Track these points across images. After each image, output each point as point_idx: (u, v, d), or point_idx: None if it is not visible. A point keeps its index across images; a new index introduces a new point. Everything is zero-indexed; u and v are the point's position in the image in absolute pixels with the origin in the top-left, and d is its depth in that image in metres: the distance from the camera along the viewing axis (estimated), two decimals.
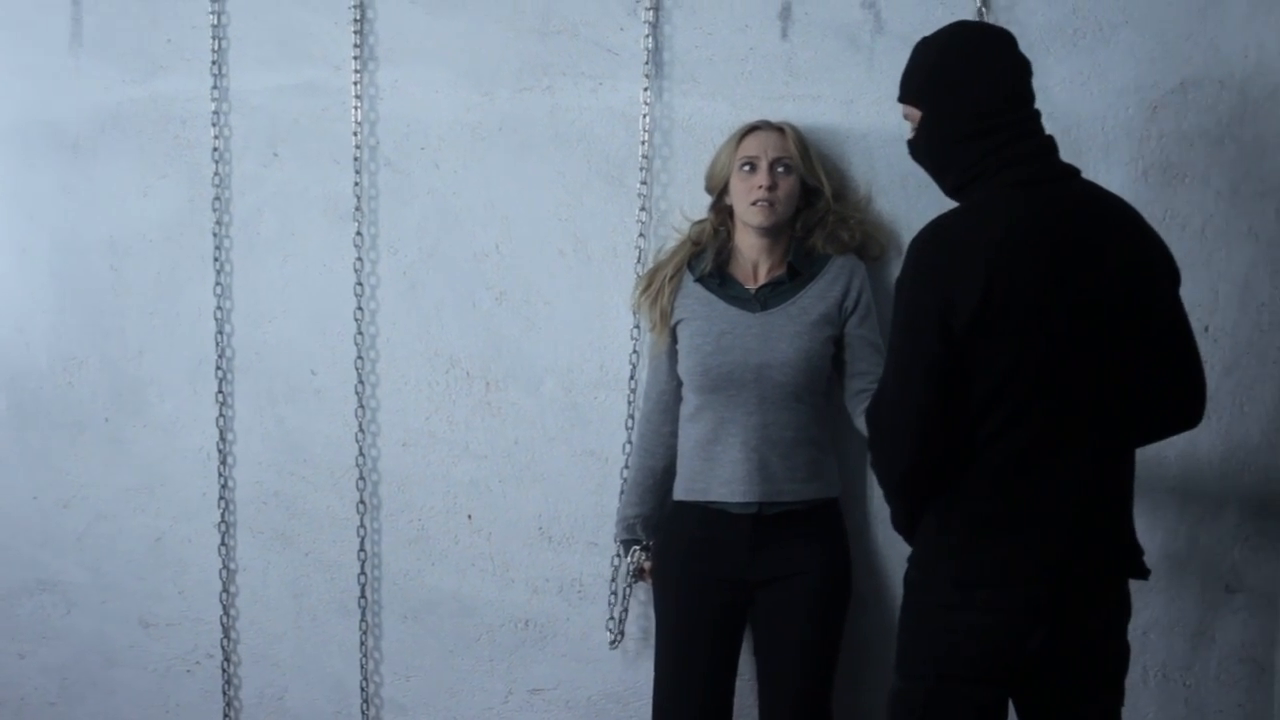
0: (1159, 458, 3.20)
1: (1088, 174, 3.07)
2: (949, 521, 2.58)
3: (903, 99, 2.69)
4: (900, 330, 2.54)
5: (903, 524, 2.69)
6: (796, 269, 3.16)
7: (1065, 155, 3.08)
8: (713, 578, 3.17)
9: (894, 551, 3.31)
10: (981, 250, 2.44)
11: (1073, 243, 2.47)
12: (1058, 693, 2.61)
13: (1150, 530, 3.20)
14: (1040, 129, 2.61)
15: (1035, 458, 2.48)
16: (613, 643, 3.44)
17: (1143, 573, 2.60)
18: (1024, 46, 3.07)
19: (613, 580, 3.45)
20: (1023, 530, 2.50)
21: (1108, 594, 2.58)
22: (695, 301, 3.19)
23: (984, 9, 3.18)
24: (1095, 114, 3.18)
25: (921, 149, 2.67)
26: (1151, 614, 3.25)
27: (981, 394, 2.47)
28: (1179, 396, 2.63)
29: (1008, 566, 2.51)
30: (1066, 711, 2.62)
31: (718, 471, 3.14)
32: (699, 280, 3.21)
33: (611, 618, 3.45)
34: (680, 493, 3.23)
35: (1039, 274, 2.44)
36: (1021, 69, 2.61)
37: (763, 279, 3.18)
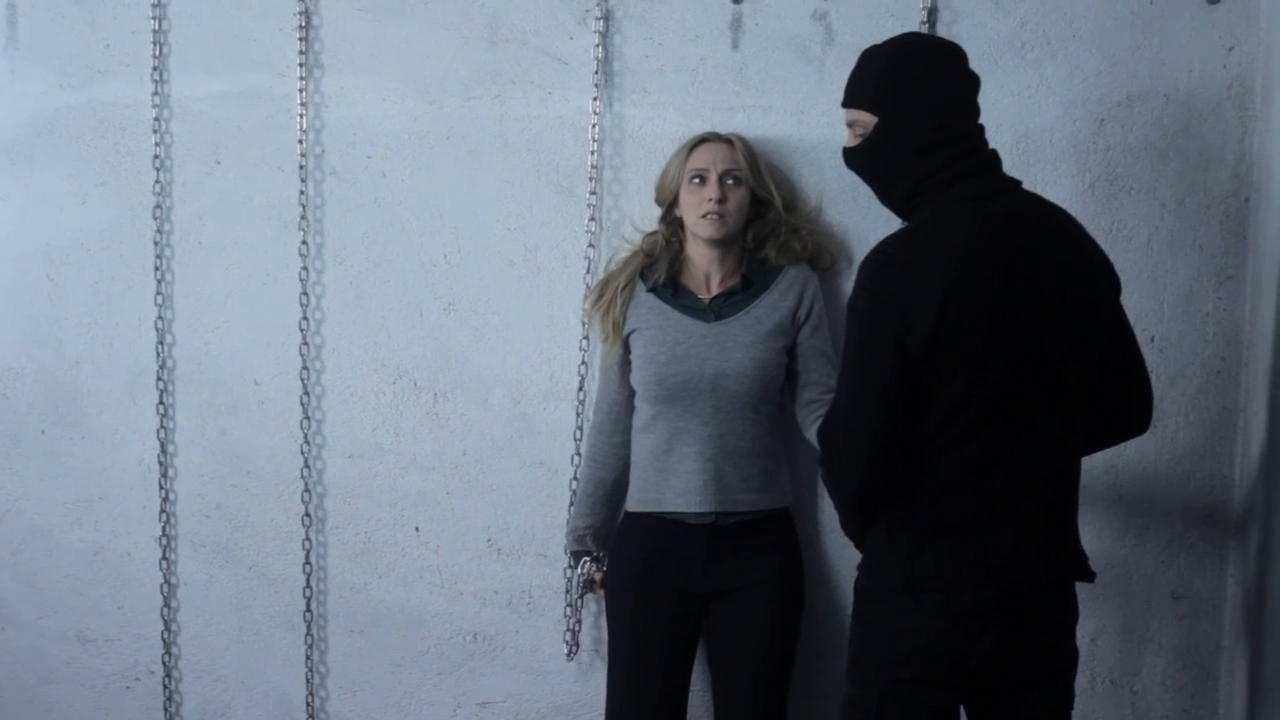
0: (1107, 466, 3.30)
1: (1036, 186, 3.19)
2: (899, 527, 2.66)
3: (851, 104, 2.71)
4: (854, 352, 2.60)
5: (853, 531, 2.77)
6: (750, 279, 3.24)
7: (1014, 168, 3.20)
8: (666, 589, 3.23)
9: (844, 560, 3.39)
10: (936, 268, 2.51)
11: (1023, 255, 2.56)
12: (1007, 696, 2.69)
13: (1097, 537, 3.31)
14: (985, 143, 2.69)
15: (985, 465, 2.57)
16: (569, 655, 3.51)
17: (1088, 575, 2.70)
18: (972, 59, 3.16)
19: (567, 592, 3.51)
20: (971, 535, 2.59)
21: (1055, 598, 2.67)
22: (648, 311, 3.26)
23: (930, 22, 3.27)
24: (1043, 126, 3.27)
25: (867, 156, 2.69)
26: (1099, 620, 3.36)
27: (937, 409, 2.55)
28: (1128, 403, 2.75)
29: (956, 571, 2.60)
30: (1015, 715, 2.71)
31: (673, 482, 3.21)
32: (652, 290, 3.27)
33: (568, 630, 3.51)
34: (634, 503, 3.29)
35: (992, 288, 2.52)
36: (973, 83, 2.69)
37: (715, 289, 3.25)
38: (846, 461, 2.64)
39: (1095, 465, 3.27)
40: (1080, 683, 3.28)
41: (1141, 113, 3.25)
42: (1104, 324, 2.65)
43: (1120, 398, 2.72)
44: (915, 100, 2.63)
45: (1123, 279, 3.03)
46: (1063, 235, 2.63)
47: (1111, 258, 3.12)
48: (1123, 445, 3.20)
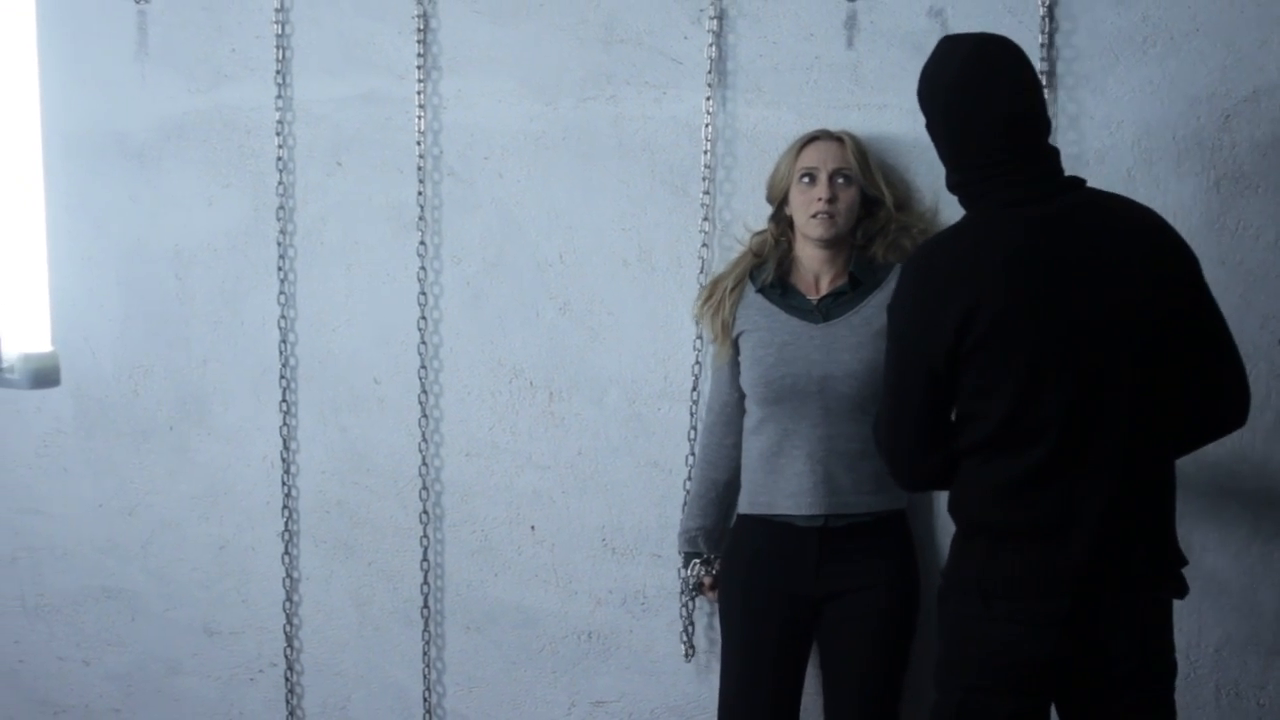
0: (1231, 471, 3.28)
1: (1159, 184, 3.21)
2: (972, 532, 2.74)
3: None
4: (888, 354, 2.79)
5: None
6: (859, 279, 3.28)
7: (1136, 166, 3.22)
8: (778, 592, 3.29)
9: None
10: (961, 279, 2.64)
11: (1064, 261, 2.61)
12: (1096, 708, 2.72)
13: (1220, 546, 3.30)
14: (1040, 146, 2.71)
15: (1053, 471, 2.62)
16: (686, 656, 3.59)
17: (1175, 588, 2.71)
18: (1093, 55, 3.20)
19: (682, 593, 3.59)
20: (1043, 541, 2.64)
21: (1135, 608, 2.67)
22: (757, 313, 3.32)
23: (1048, 18, 3.28)
24: (1166, 123, 3.27)
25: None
26: (1223, 631, 3.34)
27: (994, 414, 2.64)
28: (1217, 396, 2.72)
29: (1027, 578, 2.65)
30: None
31: (783, 484, 3.27)
32: (760, 291, 3.33)
33: (683, 631, 3.59)
34: (745, 506, 3.36)
35: (1028, 297, 2.60)
36: (1019, 105, 2.68)
37: (825, 289, 3.30)
38: (892, 457, 2.84)
39: (1220, 472, 3.27)
40: (1203, 695, 3.30)
41: (1269, 108, 3.23)
42: (1176, 321, 2.63)
43: (1208, 392, 2.70)
44: (930, 109, 2.77)
45: (1249, 278, 3.02)
46: (1120, 235, 2.64)
47: (1237, 257, 3.13)
48: (1248, 450, 3.22)
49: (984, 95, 2.67)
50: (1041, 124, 2.71)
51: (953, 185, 2.78)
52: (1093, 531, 2.61)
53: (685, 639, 3.60)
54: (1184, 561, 2.71)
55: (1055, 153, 2.72)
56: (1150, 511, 2.67)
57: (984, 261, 2.63)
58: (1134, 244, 2.63)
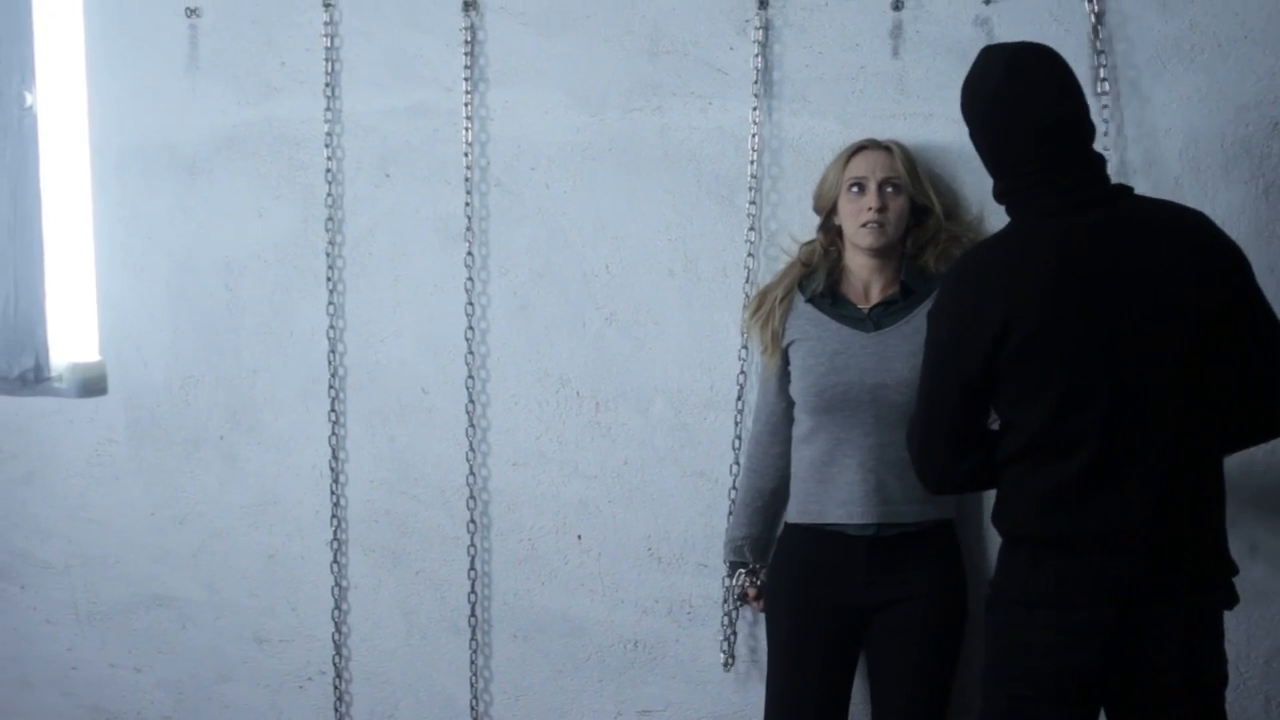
0: None
1: (1207, 192, 3.20)
2: (1015, 544, 2.75)
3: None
4: (925, 358, 2.82)
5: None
6: (911, 288, 3.30)
7: (1184, 174, 3.21)
8: (826, 601, 3.30)
9: None
10: (1000, 289, 2.66)
11: (1103, 270, 2.62)
12: (1145, 718, 2.71)
13: (1272, 555, 3.28)
14: (1082, 154, 2.72)
15: (1096, 479, 2.62)
16: (725, 665, 3.60)
17: (1222, 596, 2.70)
18: (1139, 62, 3.20)
19: (725, 601, 3.61)
20: (1085, 552, 2.65)
21: (1185, 618, 2.66)
22: (807, 322, 3.33)
23: (1095, 26, 3.28)
24: (1214, 131, 3.27)
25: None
26: (1274, 642, 3.33)
27: (1032, 422, 2.65)
28: (1269, 398, 2.70)
29: (1070, 588, 2.66)
30: None
31: (834, 493, 3.28)
32: (810, 301, 3.35)
33: (724, 640, 3.60)
34: (794, 515, 3.37)
35: (1065, 306, 2.61)
36: (1058, 113, 2.69)
37: (875, 298, 3.32)
38: (921, 460, 2.86)
39: (1272, 480, 3.25)
40: (1253, 707, 3.29)
41: None
42: (1223, 324, 2.63)
43: (1262, 395, 2.69)
44: (971, 120, 2.80)
45: None
46: (1162, 241, 2.64)
47: None
48: None
49: (1022, 105, 2.69)
50: (1084, 130, 2.72)
51: (998, 195, 2.80)
52: (1137, 541, 2.61)
53: (726, 648, 3.62)
54: (1234, 570, 2.71)
55: (1100, 160, 2.73)
56: (1198, 520, 2.66)
57: (1024, 272, 2.65)
58: (1176, 249, 2.63)
